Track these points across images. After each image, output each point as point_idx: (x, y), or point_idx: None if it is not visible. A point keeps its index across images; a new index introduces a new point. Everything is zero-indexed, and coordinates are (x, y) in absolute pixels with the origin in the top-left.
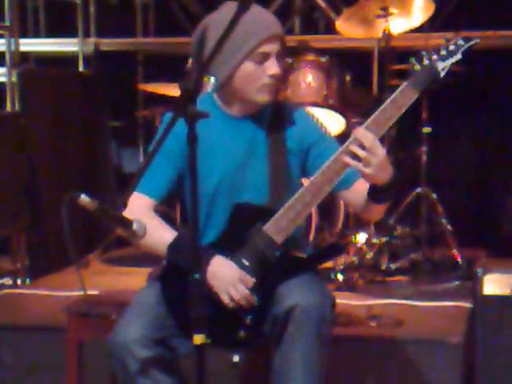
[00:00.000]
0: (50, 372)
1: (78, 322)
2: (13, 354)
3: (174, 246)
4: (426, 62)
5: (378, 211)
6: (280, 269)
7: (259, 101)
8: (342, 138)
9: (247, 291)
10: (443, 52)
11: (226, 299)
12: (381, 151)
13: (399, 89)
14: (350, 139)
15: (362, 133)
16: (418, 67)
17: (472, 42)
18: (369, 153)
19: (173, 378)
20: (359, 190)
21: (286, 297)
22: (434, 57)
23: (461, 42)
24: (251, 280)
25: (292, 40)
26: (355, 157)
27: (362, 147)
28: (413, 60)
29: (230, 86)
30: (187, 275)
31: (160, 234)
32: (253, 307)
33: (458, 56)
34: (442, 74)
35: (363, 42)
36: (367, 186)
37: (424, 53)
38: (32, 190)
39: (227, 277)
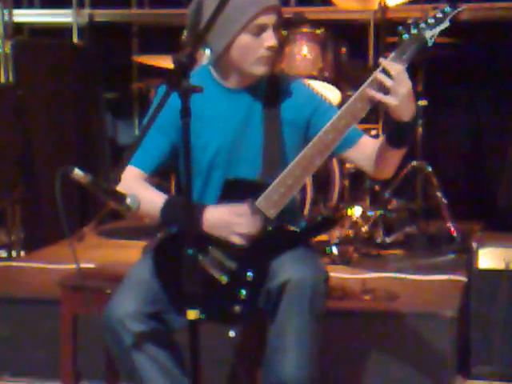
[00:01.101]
0: (45, 344)
1: (72, 295)
2: (7, 326)
3: (165, 208)
4: (413, 30)
5: (393, 160)
6: (274, 243)
7: (256, 73)
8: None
9: (247, 219)
10: (431, 20)
11: (236, 240)
12: (407, 81)
13: (388, 58)
14: (375, 71)
15: (387, 63)
16: (405, 36)
17: (459, 9)
18: (396, 82)
19: (167, 352)
20: (366, 146)
21: (280, 271)
22: (422, 25)
23: (448, 9)
24: (244, 207)
25: (288, 12)
26: (381, 88)
27: (389, 76)
28: (400, 29)
29: (227, 59)
30: (182, 248)
31: (151, 200)
32: (247, 282)
33: (446, 23)
34: (430, 42)
35: (359, 13)
36: (373, 141)
37: (411, 22)
38: (27, 162)
39: (223, 218)
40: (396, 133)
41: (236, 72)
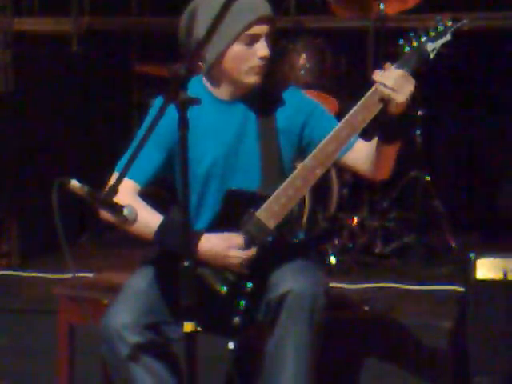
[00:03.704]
0: (42, 355)
1: (69, 305)
2: (4, 336)
3: (161, 231)
4: (415, 43)
5: (389, 158)
6: (273, 254)
7: (249, 82)
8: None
9: (242, 251)
10: (432, 33)
11: (228, 271)
12: (408, 84)
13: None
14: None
15: (380, 77)
16: (407, 48)
17: (461, 23)
18: (396, 91)
19: (163, 364)
20: (361, 149)
21: (279, 283)
22: (423, 38)
23: (449, 22)
24: (240, 238)
25: (286, 21)
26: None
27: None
28: (402, 42)
29: (220, 69)
30: (179, 260)
31: (146, 221)
32: (246, 293)
33: (448, 37)
34: (432, 55)
35: (358, 23)
36: (367, 143)
37: (413, 34)
38: (25, 170)
39: (219, 250)
40: (390, 127)
41: (229, 82)
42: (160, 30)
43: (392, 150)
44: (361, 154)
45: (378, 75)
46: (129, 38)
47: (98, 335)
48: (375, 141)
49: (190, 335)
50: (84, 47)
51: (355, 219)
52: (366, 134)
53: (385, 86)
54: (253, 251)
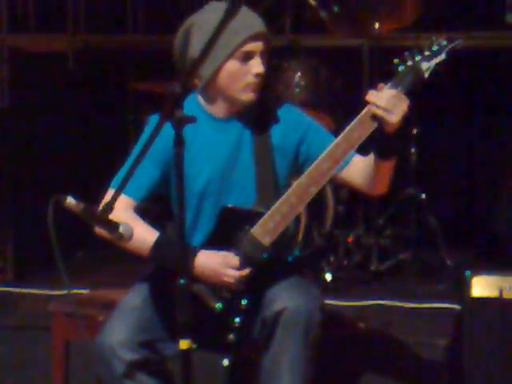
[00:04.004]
0: (37, 371)
1: (64, 321)
2: None
3: (156, 248)
4: (409, 62)
5: (386, 174)
6: (268, 271)
7: (244, 100)
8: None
9: (237, 272)
10: (427, 52)
11: (224, 289)
12: (401, 103)
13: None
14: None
15: (374, 97)
16: (401, 68)
17: (455, 43)
18: (388, 111)
19: (158, 381)
20: (357, 165)
21: (275, 300)
22: (418, 57)
23: (444, 42)
24: (236, 259)
25: (282, 39)
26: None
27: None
28: (397, 61)
29: (214, 86)
30: (175, 277)
31: (142, 237)
32: (242, 310)
33: (442, 56)
34: (427, 74)
35: (353, 41)
36: (364, 158)
37: (407, 53)
38: (19, 186)
39: (214, 268)
40: (385, 144)
41: (224, 99)
42: (155, 47)
43: (388, 166)
44: (358, 169)
45: (370, 96)
46: (124, 55)
47: (93, 352)
48: (371, 156)
49: (185, 352)
50: (79, 64)
51: (351, 236)
52: (363, 149)
53: (377, 106)
54: (247, 271)
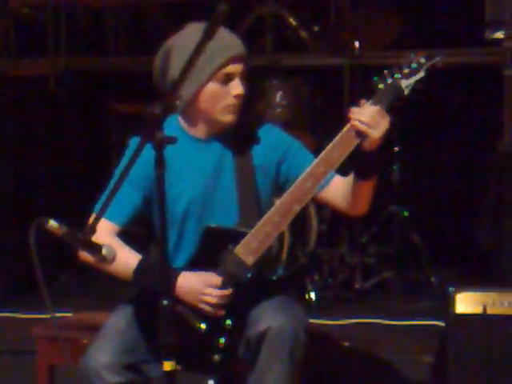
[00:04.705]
0: None
1: (48, 345)
2: None
3: (139, 271)
4: (389, 80)
5: (366, 194)
6: (252, 291)
7: (224, 121)
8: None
9: (218, 291)
10: (406, 70)
11: (205, 309)
12: (383, 120)
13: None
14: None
15: (356, 114)
16: (381, 85)
17: (434, 60)
18: (371, 127)
19: None
20: (338, 185)
21: (259, 320)
22: (397, 75)
23: (423, 59)
24: (217, 278)
25: (263, 59)
26: (358, 134)
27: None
28: (376, 79)
29: (195, 107)
30: (158, 299)
31: (124, 259)
32: (226, 330)
33: (421, 74)
34: (406, 91)
35: (334, 60)
36: (344, 179)
37: (387, 72)
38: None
39: (195, 288)
40: (365, 163)
41: (204, 120)
42: (136, 69)
43: (368, 186)
44: (338, 189)
45: (353, 112)
46: (105, 77)
47: (77, 375)
48: (352, 176)
49: (169, 374)
50: (61, 86)
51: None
52: (342, 170)
53: (360, 121)
54: (229, 291)
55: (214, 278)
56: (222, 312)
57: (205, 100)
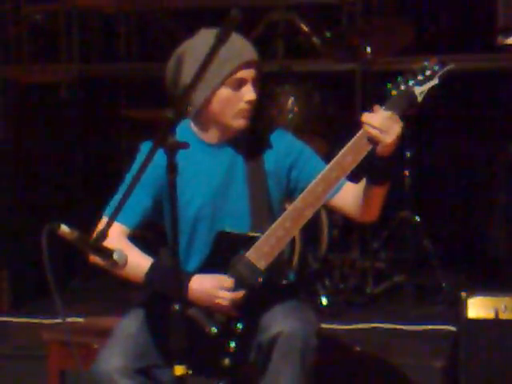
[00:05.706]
0: None
1: (59, 350)
2: None
3: (151, 274)
4: (403, 87)
5: (377, 200)
6: (264, 295)
7: (236, 126)
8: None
9: (231, 293)
10: (420, 77)
11: (220, 310)
12: (395, 125)
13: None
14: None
15: (367, 119)
16: (395, 92)
17: (448, 68)
18: (383, 132)
19: None
20: (349, 191)
21: (271, 324)
22: (411, 82)
23: (436, 67)
24: (230, 281)
25: (274, 64)
26: (370, 140)
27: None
28: (389, 85)
29: (207, 113)
30: (170, 303)
31: (136, 263)
32: (237, 334)
33: (435, 81)
34: (420, 98)
35: (346, 66)
36: (355, 185)
37: (400, 78)
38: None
39: (208, 290)
40: (378, 168)
41: (216, 125)
42: (148, 75)
43: (380, 192)
44: (349, 196)
45: (366, 116)
46: (117, 83)
47: (88, 380)
48: (363, 183)
49: (180, 378)
50: (73, 93)
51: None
52: (354, 177)
53: (372, 126)
54: (241, 293)
55: (227, 281)
56: (235, 314)
57: (217, 105)
